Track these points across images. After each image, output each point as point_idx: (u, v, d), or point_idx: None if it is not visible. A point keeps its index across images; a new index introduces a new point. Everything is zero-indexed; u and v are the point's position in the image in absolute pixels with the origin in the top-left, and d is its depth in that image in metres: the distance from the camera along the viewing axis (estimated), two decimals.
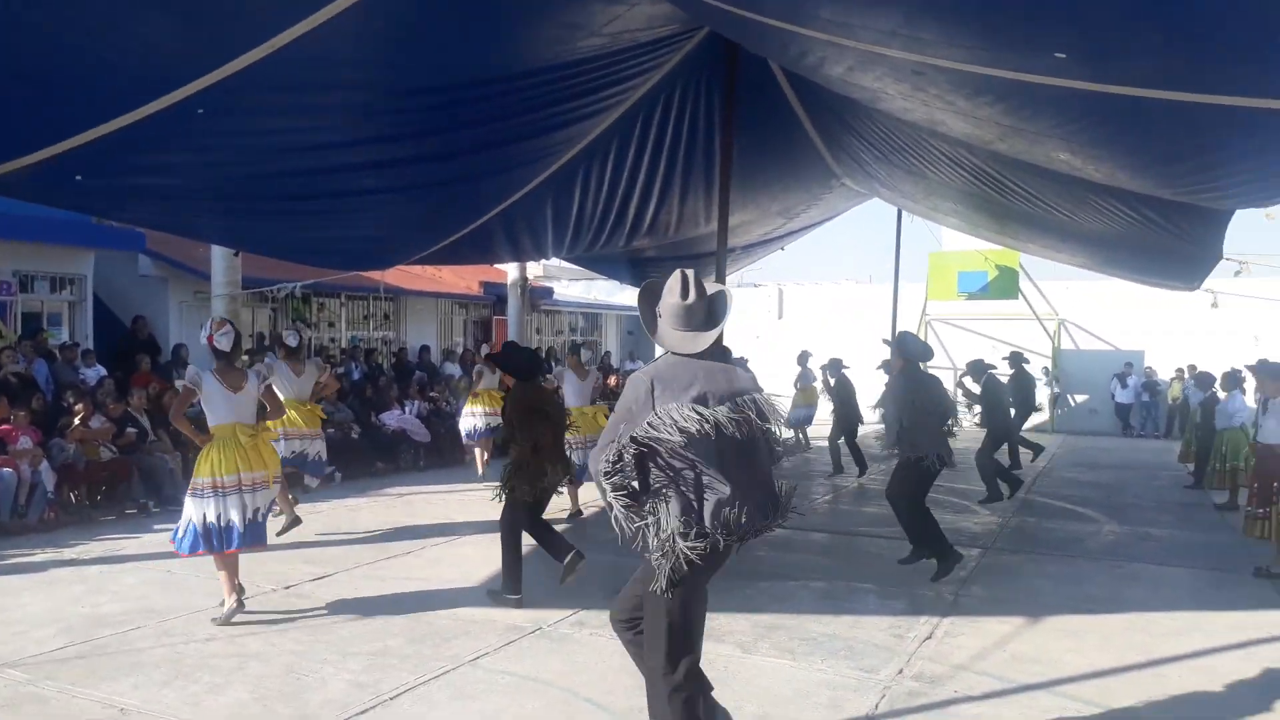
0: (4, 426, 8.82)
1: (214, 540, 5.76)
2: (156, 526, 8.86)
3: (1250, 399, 10.18)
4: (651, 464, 3.46)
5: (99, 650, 5.34)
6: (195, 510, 5.77)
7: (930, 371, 8.53)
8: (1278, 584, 7.21)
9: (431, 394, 14.91)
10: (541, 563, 6.54)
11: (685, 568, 3.38)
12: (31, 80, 4.66)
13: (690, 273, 3.64)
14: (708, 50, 8.23)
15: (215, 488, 5.77)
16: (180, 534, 5.85)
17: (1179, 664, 5.39)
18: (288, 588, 6.64)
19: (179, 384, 7.04)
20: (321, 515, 8.51)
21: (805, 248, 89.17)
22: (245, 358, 9.72)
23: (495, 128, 7.23)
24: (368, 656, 5.26)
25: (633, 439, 3.41)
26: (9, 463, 8.51)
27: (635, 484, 3.50)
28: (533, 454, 6.30)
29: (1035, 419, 15.52)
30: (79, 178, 5.73)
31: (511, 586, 6.27)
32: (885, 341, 10.76)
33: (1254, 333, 18.69)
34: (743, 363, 8.38)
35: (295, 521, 7.84)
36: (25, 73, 4.57)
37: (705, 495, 3.42)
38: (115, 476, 9.51)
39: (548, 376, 9.56)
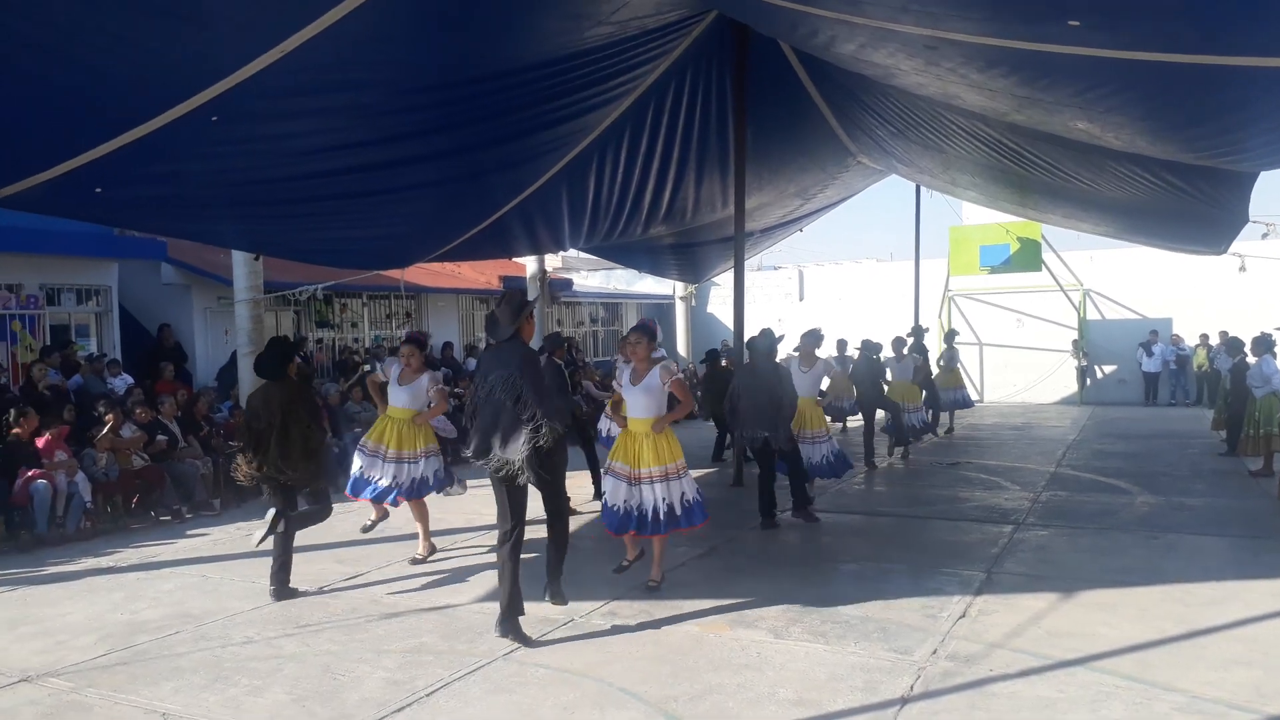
0: (40, 440, 8.92)
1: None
2: (190, 532, 8.97)
3: None
4: None
5: (139, 656, 5.41)
6: None
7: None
8: None
9: (456, 389, 14.96)
10: (570, 558, 6.54)
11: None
12: (48, 96, 4.70)
13: (509, 292, 5.61)
14: (717, 33, 8.19)
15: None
16: None
17: (1219, 634, 5.33)
18: (321, 589, 6.70)
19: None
20: (351, 514, 8.57)
21: (824, 228, 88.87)
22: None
23: (507, 121, 7.23)
24: (402, 654, 5.30)
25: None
26: (44, 475, 8.63)
27: None
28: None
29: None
30: (98, 190, 5.80)
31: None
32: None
33: None
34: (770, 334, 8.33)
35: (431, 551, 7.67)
36: (41, 89, 4.62)
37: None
38: (148, 484, 9.60)
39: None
